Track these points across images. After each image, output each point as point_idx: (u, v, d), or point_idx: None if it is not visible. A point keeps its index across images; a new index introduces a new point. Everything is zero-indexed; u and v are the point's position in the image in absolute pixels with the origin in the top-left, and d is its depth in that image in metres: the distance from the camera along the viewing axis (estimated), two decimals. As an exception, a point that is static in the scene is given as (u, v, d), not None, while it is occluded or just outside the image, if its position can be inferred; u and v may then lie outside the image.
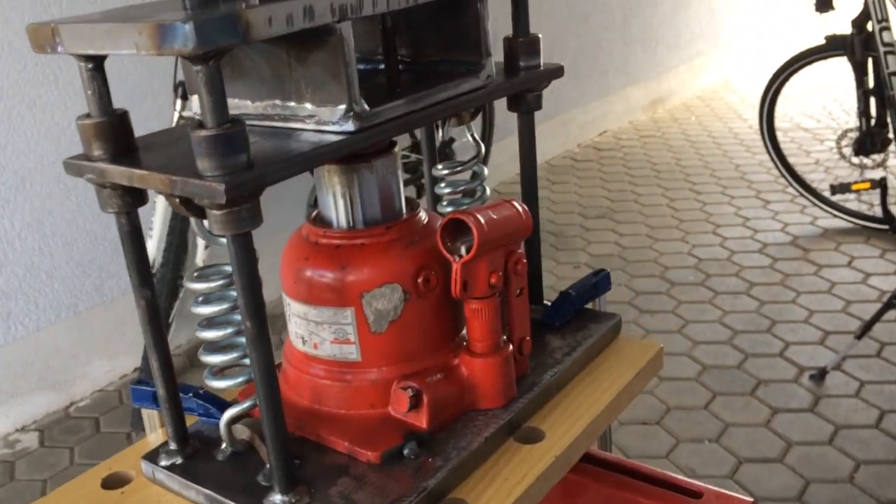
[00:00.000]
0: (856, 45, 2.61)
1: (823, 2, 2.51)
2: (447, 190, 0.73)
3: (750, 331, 2.48)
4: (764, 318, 2.55)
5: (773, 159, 3.17)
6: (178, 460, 0.60)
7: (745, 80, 5.40)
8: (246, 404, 0.57)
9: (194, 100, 0.53)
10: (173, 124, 2.24)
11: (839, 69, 2.89)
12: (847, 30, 2.69)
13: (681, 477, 0.72)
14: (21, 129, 2.24)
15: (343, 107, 0.51)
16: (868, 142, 2.78)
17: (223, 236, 0.49)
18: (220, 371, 0.58)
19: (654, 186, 3.72)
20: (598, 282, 0.75)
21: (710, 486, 0.71)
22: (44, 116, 2.27)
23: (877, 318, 2.15)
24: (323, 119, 0.52)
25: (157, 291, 0.56)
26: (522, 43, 0.65)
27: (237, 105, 0.56)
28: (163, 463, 0.60)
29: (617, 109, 4.53)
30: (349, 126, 0.51)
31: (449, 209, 0.73)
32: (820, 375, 2.20)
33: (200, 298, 0.56)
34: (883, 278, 2.71)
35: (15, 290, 2.29)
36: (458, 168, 0.72)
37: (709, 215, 3.35)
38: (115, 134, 0.52)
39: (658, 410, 2.15)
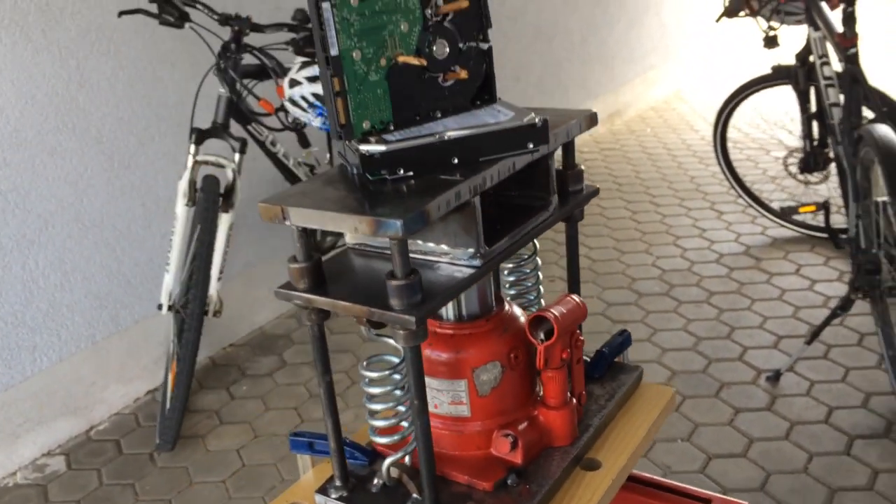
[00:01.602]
0: (799, 76, 2.92)
1: (770, 40, 2.81)
2: (512, 279, 0.97)
3: (712, 337, 2.77)
4: (723, 324, 2.84)
5: (727, 176, 3.48)
6: (345, 493, 0.83)
7: (694, 89, 5.74)
8: (401, 454, 0.81)
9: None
10: (188, 166, 2.43)
11: (784, 95, 3.20)
12: (790, 60, 3.01)
13: (689, 486, 0.98)
14: (44, 175, 2.41)
15: (472, 250, 0.75)
16: (811, 161, 3.10)
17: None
18: (382, 430, 0.81)
19: (617, 199, 4.01)
20: (623, 340, 1.00)
21: (716, 494, 0.97)
22: (63, 163, 2.44)
23: (824, 325, 2.45)
24: (456, 256, 0.76)
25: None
26: (571, 174, 0.89)
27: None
28: (333, 495, 0.83)
29: (578, 123, 4.80)
30: (477, 262, 0.75)
31: (512, 291, 0.97)
32: (775, 377, 2.49)
33: (368, 380, 0.79)
34: (827, 284, 3.03)
35: (40, 325, 2.47)
36: (521, 262, 0.96)
37: (669, 227, 3.65)
38: (314, 272, 0.75)
39: (637, 414, 2.42)
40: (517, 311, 0.88)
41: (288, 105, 2.45)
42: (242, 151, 2.48)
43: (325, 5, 0.69)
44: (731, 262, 3.27)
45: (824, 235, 3.22)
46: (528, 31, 4.23)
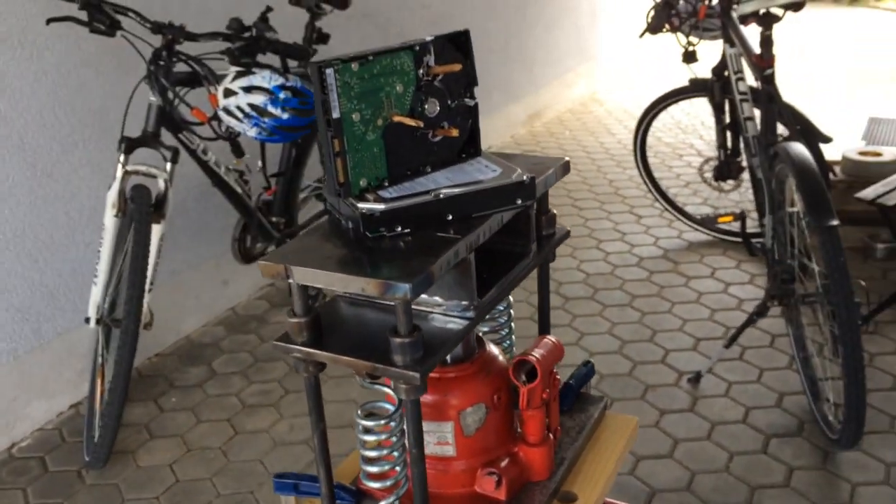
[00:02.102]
0: (715, 90, 3.06)
1: (689, 55, 2.93)
2: (486, 329, 1.01)
3: (635, 340, 2.89)
4: (646, 327, 2.96)
5: (646, 183, 3.61)
6: (334, 535, 0.86)
7: (609, 91, 5.91)
8: (393, 498, 0.84)
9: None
10: (117, 176, 2.37)
11: (700, 107, 3.36)
12: (706, 72, 3.15)
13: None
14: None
15: (466, 302, 0.78)
16: (725, 169, 3.26)
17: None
18: (376, 475, 0.84)
19: (541, 202, 4.10)
20: (588, 371, 1.06)
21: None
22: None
23: (741, 330, 2.59)
24: (449, 308, 0.79)
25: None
26: (545, 219, 0.94)
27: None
28: (326, 538, 0.86)
29: (499, 125, 4.90)
30: (471, 314, 0.79)
31: (485, 328, 1.01)
32: (696, 379, 2.62)
33: (364, 428, 0.82)
34: (740, 287, 3.20)
35: (-40, 340, 2.36)
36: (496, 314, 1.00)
37: (591, 231, 3.77)
38: (313, 326, 0.77)
39: (569, 418, 2.50)
40: (495, 350, 0.91)
41: (222, 114, 2.43)
42: (174, 161, 2.43)
43: (329, 71, 0.71)
44: (650, 266, 3.40)
45: (737, 240, 3.40)
46: (452, 34, 4.27)
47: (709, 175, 3.37)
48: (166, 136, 2.48)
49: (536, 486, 0.90)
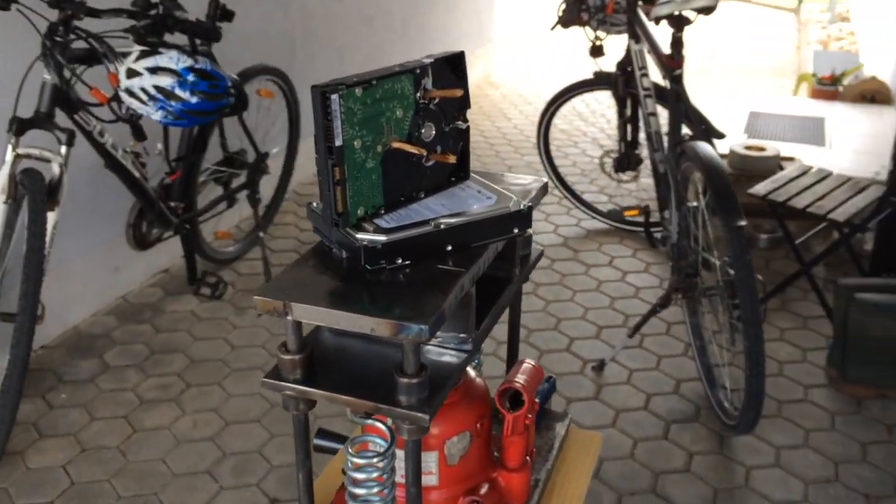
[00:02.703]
0: (619, 84, 3.14)
1: (596, 49, 2.99)
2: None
3: (541, 329, 2.95)
4: (551, 316, 3.03)
5: (547, 171, 3.67)
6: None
7: (504, 75, 5.96)
8: (382, 531, 0.81)
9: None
10: (7, 160, 2.19)
11: (604, 100, 3.43)
12: (609, 66, 3.23)
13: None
14: None
15: (465, 335, 0.76)
16: (624, 161, 3.36)
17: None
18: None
19: (441, 187, 4.10)
20: (550, 387, 1.07)
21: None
22: None
23: (645, 320, 2.69)
24: (446, 341, 0.77)
25: None
26: (521, 240, 0.93)
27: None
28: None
29: (398, 107, 4.84)
30: (469, 346, 0.77)
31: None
32: (600, 367, 2.70)
33: (354, 465, 0.79)
34: (636, 276, 3.32)
35: None
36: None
37: (493, 217, 3.80)
38: (307, 363, 0.73)
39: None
40: (474, 375, 0.90)
41: (124, 96, 2.29)
42: (70, 144, 2.27)
43: (335, 97, 0.67)
44: (552, 254, 3.47)
45: (634, 229, 3.51)
46: (353, 12, 4.19)
47: (609, 167, 3.46)
48: (61, 118, 2.31)
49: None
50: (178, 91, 2.23)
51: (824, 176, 2.99)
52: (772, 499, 2.19)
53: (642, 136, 3.12)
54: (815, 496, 2.20)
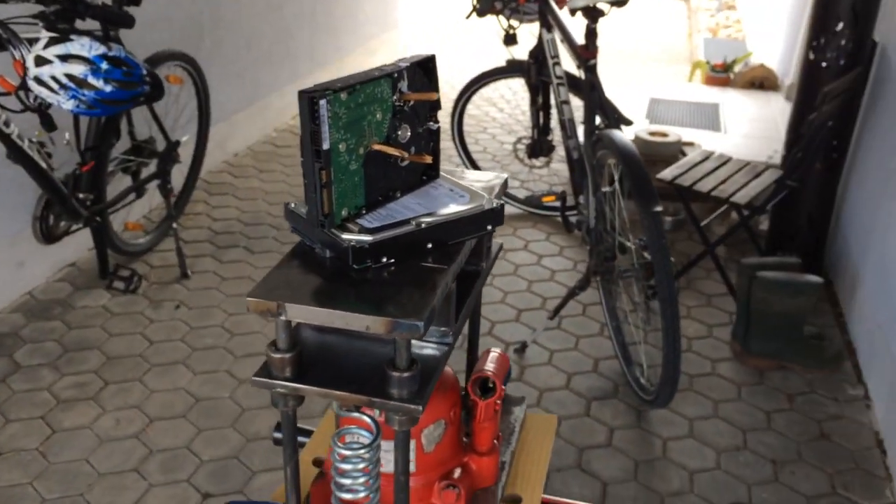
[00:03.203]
0: (532, 72, 3.22)
1: (510, 37, 3.05)
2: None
3: (463, 313, 3.00)
4: (471, 300, 3.08)
5: (461, 157, 3.73)
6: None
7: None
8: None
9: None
10: None
11: (516, 86, 3.50)
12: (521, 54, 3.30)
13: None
14: None
15: (447, 328, 0.79)
16: (537, 147, 3.44)
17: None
18: (348, 502, 0.83)
19: (355, 174, 4.09)
20: (508, 373, 1.11)
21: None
22: None
23: (565, 302, 2.78)
24: (429, 334, 0.80)
25: None
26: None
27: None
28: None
29: (306, 93, 4.80)
30: (450, 339, 0.80)
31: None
32: (522, 349, 2.78)
33: (341, 456, 0.81)
34: (551, 259, 3.42)
35: None
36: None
37: (408, 204, 3.82)
38: (298, 360, 0.74)
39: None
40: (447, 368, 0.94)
41: (32, 84, 2.19)
42: (-26, 135, 2.16)
43: (323, 102, 0.69)
44: (468, 239, 3.53)
45: (550, 214, 3.62)
46: (260, -1, 4.12)
47: (521, 153, 3.54)
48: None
49: (484, 492, 0.94)
50: (90, 79, 2.15)
51: (725, 161, 3.16)
52: (688, 468, 2.32)
53: (554, 122, 3.21)
54: (726, 463, 2.34)
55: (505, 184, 0.94)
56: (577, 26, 2.82)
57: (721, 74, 5.12)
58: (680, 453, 2.38)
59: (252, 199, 3.82)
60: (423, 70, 0.81)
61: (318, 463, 1.00)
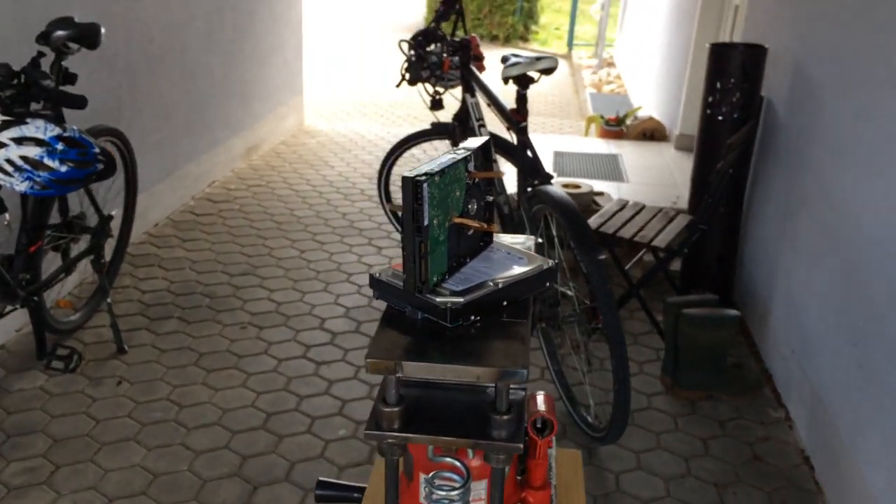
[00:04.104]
0: (457, 133, 3.40)
1: (436, 102, 3.23)
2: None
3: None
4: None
5: (389, 218, 3.85)
6: None
7: (316, 123, 6.09)
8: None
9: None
10: None
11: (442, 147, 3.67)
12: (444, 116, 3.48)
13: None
14: None
15: (524, 371, 0.90)
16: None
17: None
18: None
19: (282, 239, 4.15)
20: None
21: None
22: None
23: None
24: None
25: None
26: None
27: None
28: None
29: (221, 160, 4.83)
30: (525, 380, 0.91)
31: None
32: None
33: (438, 498, 0.89)
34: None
35: None
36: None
37: (339, 264, 3.91)
38: (404, 413, 0.84)
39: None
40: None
41: (-15, 167, 2.18)
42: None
43: (425, 185, 0.80)
44: (403, 296, 3.63)
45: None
46: (175, 69, 4.16)
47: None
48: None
49: (540, 522, 1.05)
50: (46, 160, 2.16)
51: (640, 208, 3.41)
52: (641, 498, 2.48)
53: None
54: (675, 491, 2.51)
55: (537, 244, 1.07)
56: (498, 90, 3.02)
57: (615, 128, 5.48)
58: (632, 485, 2.54)
59: (179, 268, 3.80)
60: (483, 151, 0.93)
61: (380, 512, 1.07)
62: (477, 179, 0.92)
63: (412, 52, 3.07)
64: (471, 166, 0.92)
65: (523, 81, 2.65)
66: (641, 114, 5.70)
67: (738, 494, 2.49)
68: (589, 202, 3.94)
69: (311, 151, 5.53)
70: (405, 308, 0.88)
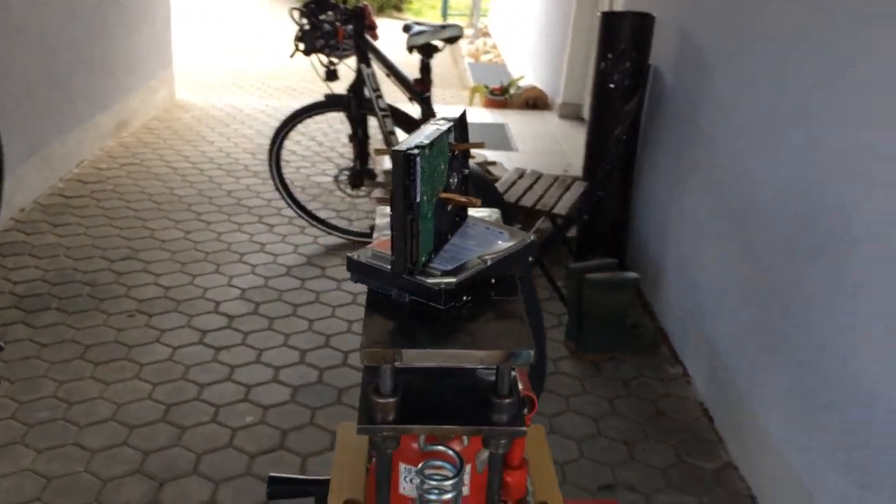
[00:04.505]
0: (352, 105, 3.30)
1: (330, 73, 3.12)
2: None
3: (314, 348, 3.01)
4: (319, 334, 3.10)
5: (281, 194, 3.71)
6: None
7: (187, 96, 5.81)
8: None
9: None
10: None
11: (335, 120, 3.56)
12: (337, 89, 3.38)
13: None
14: None
15: (531, 351, 0.86)
16: (360, 178, 3.53)
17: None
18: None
19: (164, 220, 3.93)
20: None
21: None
22: None
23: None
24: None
25: None
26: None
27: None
28: None
29: (90, 138, 4.52)
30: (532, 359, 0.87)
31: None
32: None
33: (428, 488, 0.84)
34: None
35: None
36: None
37: (229, 245, 3.74)
38: (400, 404, 0.78)
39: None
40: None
41: None
42: None
43: (418, 159, 0.74)
44: (300, 273, 3.53)
45: (366, 240, 3.70)
46: (36, 43, 3.83)
47: (345, 184, 3.61)
48: None
49: (521, 503, 1.02)
50: None
51: (538, 177, 3.44)
52: (557, 461, 2.52)
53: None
54: (588, 451, 2.57)
55: (501, 215, 1.04)
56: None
57: (499, 97, 5.51)
58: (548, 450, 2.57)
59: (53, 256, 3.54)
60: (460, 122, 0.88)
61: (352, 505, 1.02)
62: (457, 152, 0.87)
63: (305, 21, 2.94)
64: (452, 138, 0.86)
65: (427, 50, 2.59)
66: (524, 83, 5.76)
67: (647, 450, 2.58)
68: (483, 172, 3.94)
69: (186, 127, 5.26)
70: (391, 291, 0.83)
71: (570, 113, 5.09)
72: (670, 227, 3.19)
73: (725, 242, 2.69)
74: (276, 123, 5.39)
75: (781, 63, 2.37)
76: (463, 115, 0.89)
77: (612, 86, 3.30)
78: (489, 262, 0.84)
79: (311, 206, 3.91)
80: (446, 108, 5.95)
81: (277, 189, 3.69)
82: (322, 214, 3.90)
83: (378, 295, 0.84)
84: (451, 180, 0.86)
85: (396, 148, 0.76)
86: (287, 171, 4.07)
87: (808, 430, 2.10)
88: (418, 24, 2.67)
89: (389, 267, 0.81)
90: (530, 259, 0.92)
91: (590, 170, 3.48)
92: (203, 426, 2.54)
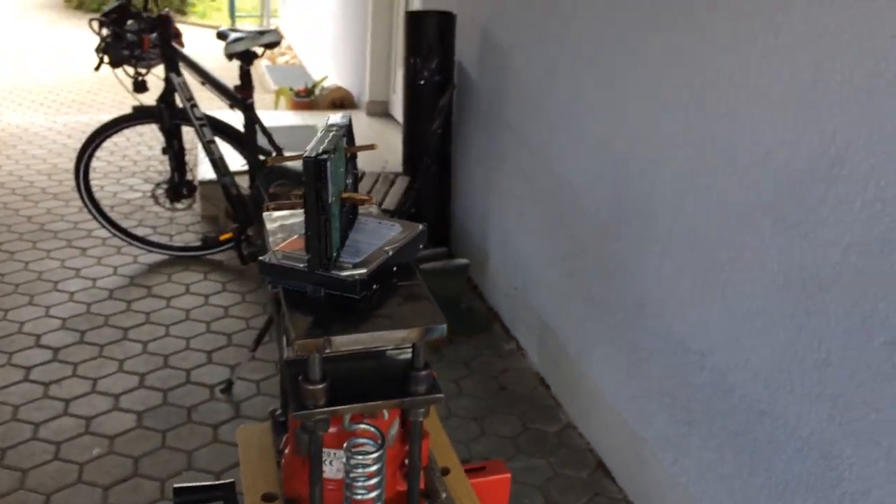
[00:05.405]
0: (165, 116, 3.22)
1: (139, 85, 3.03)
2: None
3: (154, 370, 2.92)
4: (156, 356, 3.01)
5: (93, 214, 3.54)
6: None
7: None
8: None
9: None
10: None
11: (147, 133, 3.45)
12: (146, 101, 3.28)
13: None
14: None
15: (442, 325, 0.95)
16: (179, 190, 3.45)
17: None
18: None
19: (-41, 253, 3.63)
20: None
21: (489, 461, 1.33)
22: None
23: (263, 334, 2.89)
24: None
25: None
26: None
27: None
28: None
29: None
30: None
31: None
32: (227, 388, 2.82)
33: (355, 463, 0.91)
34: (218, 296, 3.46)
35: None
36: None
37: (39, 273, 3.52)
38: (329, 389, 0.85)
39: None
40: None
41: None
42: None
43: (328, 163, 0.81)
44: (124, 295, 3.40)
45: (194, 254, 3.63)
46: None
47: (163, 197, 3.51)
48: None
49: (428, 470, 1.11)
50: None
51: (362, 175, 3.53)
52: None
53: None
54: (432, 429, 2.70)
55: (387, 213, 1.12)
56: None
57: (305, 99, 5.53)
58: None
59: None
60: (348, 126, 0.95)
61: (269, 498, 1.06)
62: (349, 154, 0.94)
63: (107, 32, 2.84)
64: (345, 141, 0.93)
65: (247, 57, 2.59)
66: (328, 83, 5.81)
67: (496, 423, 2.75)
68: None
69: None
70: (306, 288, 0.89)
71: (378, 111, 5.21)
72: (490, 213, 3.40)
73: (542, 222, 2.92)
74: (68, 141, 5.12)
75: (577, 56, 2.61)
76: (350, 121, 0.96)
77: (422, 83, 3.44)
78: (391, 252, 0.92)
79: (126, 224, 3.76)
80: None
81: (88, 209, 3.51)
82: (139, 232, 3.77)
83: (293, 294, 0.90)
84: (347, 181, 0.93)
85: (307, 155, 0.82)
86: (97, 191, 3.88)
87: (635, 380, 2.35)
88: (234, 30, 2.66)
89: (303, 265, 0.87)
90: (420, 246, 1.01)
91: (409, 165, 3.61)
92: (46, 465, 2.42)
